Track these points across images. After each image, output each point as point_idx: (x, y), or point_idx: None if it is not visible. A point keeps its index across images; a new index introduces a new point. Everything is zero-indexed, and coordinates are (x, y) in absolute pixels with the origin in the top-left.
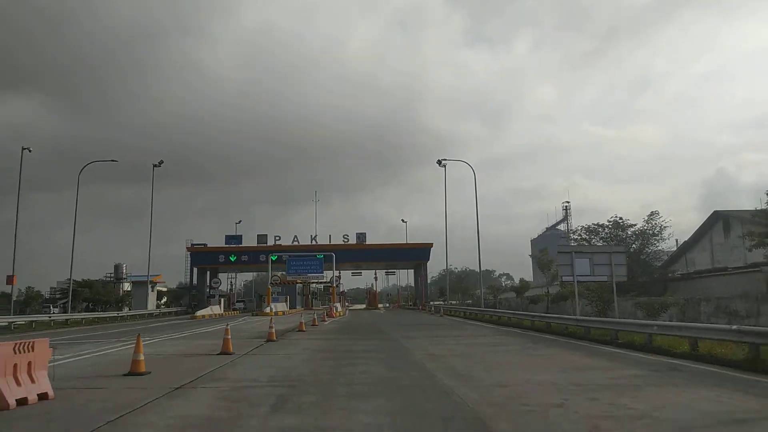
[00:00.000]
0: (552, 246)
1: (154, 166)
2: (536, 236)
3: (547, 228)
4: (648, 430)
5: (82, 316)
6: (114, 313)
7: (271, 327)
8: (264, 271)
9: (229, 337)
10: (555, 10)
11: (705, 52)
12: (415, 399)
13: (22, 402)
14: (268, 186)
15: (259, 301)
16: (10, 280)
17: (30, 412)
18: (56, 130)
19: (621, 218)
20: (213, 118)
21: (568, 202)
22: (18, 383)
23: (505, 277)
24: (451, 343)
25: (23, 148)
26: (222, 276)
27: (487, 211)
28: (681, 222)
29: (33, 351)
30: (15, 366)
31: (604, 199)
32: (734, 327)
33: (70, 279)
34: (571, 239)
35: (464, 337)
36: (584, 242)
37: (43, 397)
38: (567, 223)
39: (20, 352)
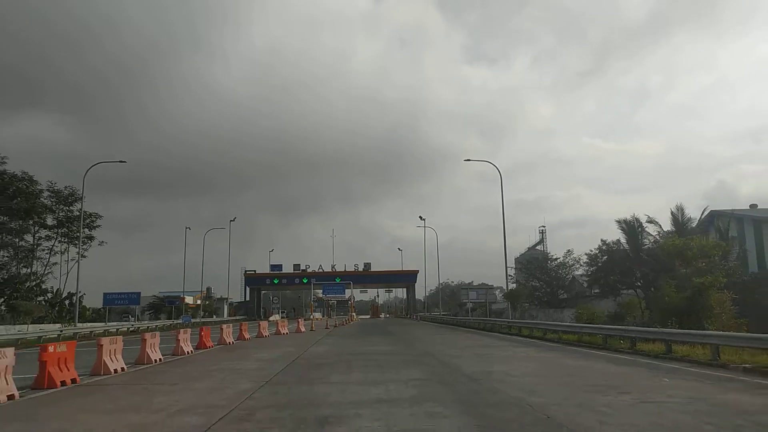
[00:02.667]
0: (530, 264)
1: (231, 221)
2: (518, 255)
3: (528, 248)
4: (447, 338)
5: (202, 321)
6: (214, 319)
7: (335, 322)
8: (295, 290)
9: (326, 324)
10: (552, 30)
11: (698, 69)
12: (384, 335)
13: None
14: (272, 196)
15: (293, 312)
16: (181, 301)
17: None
18: (70, 143)
19: (549, 253)
20: (220, 131)
21: (543, 227)
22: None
23: (499, 290)
24: (407, 329)
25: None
26: (265, 293)
27: (488, 222)
28: None
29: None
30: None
31: (605, 209)
32: (485, 317)
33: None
34: (514, 268)
35: (414, 328)
36: (525, 269)
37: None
38: (543, 245)
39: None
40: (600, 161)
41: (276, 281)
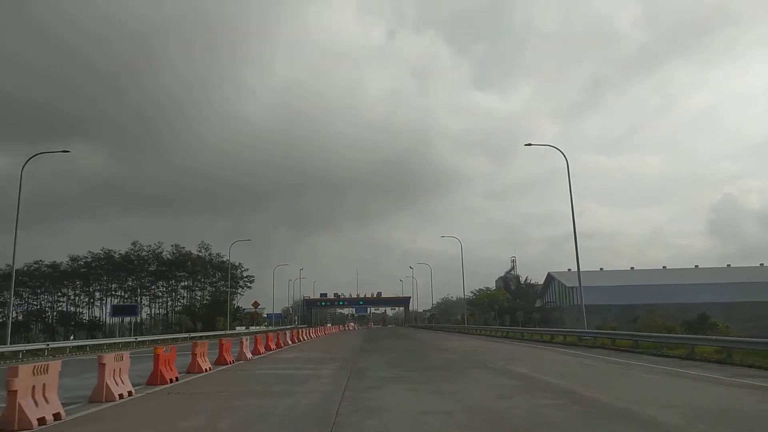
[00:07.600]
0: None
1: (300, 270)
2: (497, 278)
3: (506, 272)
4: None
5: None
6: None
7: (369, 327)
8: (333, 310)
9: (362, 328)
10: (552, 61)
11: (697, 90)
12: (389, 333)
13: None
14: (288, 213)
15: (333, 322)
16: (255, 307)
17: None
18: (111, 170)
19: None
20: (242, 150)
21: (514, 257)
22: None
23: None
24: (397, 329)
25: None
26: (314, 311)
27: (498, 235)
28: (693, 244)
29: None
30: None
31: (614, 222)
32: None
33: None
34: (469, 295)
35: (401, 329)
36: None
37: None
38: (515, 271)
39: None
40: (605, 176)
41: (323, 303)
